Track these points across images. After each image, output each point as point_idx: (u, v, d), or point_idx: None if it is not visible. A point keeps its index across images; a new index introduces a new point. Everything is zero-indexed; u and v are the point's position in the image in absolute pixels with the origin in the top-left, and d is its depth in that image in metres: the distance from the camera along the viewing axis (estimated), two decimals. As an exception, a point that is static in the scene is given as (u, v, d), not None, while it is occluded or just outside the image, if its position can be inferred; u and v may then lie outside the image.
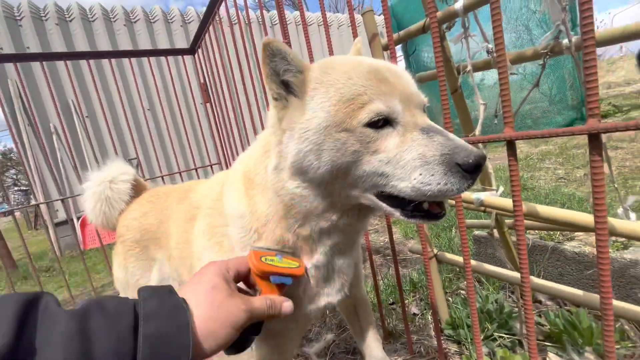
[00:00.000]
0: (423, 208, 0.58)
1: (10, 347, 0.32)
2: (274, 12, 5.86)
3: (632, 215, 0.92)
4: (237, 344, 0.53)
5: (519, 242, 0.72)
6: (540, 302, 1.35)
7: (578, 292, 0.88)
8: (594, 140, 0.57)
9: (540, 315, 1.28)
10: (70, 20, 4.54)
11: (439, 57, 0.78)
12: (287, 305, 0.57)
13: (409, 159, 0.53)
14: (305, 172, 0.58)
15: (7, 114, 2.84)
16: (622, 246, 1.30)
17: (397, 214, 0.58)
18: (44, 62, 2.11)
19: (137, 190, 1.23)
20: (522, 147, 5.35)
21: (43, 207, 4.36)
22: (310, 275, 0.69)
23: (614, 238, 1.40)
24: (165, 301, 0.44)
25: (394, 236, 2.72)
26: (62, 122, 4.28)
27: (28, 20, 4.24)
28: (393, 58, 0.92)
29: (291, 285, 0.61)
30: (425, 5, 0.77)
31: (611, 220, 0.74)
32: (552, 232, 1.55)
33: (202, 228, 0.78)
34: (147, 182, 1.35)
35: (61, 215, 4.52)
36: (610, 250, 1.28)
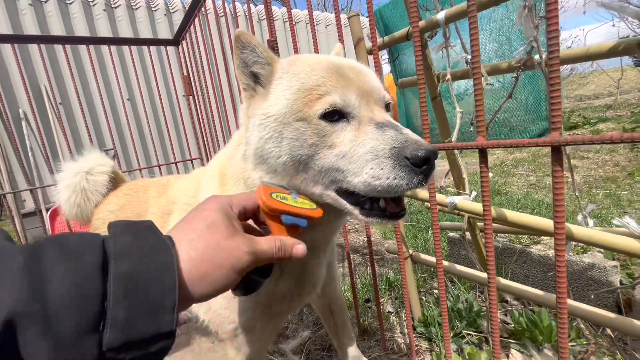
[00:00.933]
0: (379, 207, 0.56)
1: None
2: (262, 7, 5.80)
3: (590, 222, 0.99)
4: (244, 285, 0.50)
5: (487, 245, 0.76)
6: (506, 301, 1.43)
7: (539, 292, 0.94)
8: (556, 152, 0.61)
9: (506, 314, 1.35)
10: (45, 1, 4.31)
11: (420, 65, 0.81)
12: (299, 247, 0.50)
13: (362, 153, 0.52)
14: (266, 160, 0.58)
15: (-28, 96, 2.67)
16: (582, 250, 1.39)
17: (356, 212, 0.56)
18: (15, 45, 2.00)
19: (114, 182, 1.20)
20: (498, 153, 5.57)
21: (9, 197, 4.14)
22: (277, 277, 0.70)
23: (574, 243, 1.50)
24: (142, 238, 0.37)
25: (372, 236, 2.76)
26: (34, 107, 4.06)
27: (-1, -2, 4.00)
28: (377, 62, 0.95)
29: (306, 229, 0.54)
30: (409, 15, 0.80)
31: (570, 226, 0.80)
32: (520, 236, 1.63)
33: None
34: (125, 174, 1.32)
35: (29, 206, 4.31)
36: (570, 254, 1.37)
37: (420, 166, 0.49)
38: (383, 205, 0.56)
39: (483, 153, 0.74)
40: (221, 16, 4.19)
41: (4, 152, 4.08)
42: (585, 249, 1.41)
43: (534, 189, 3.28)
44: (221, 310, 0.73)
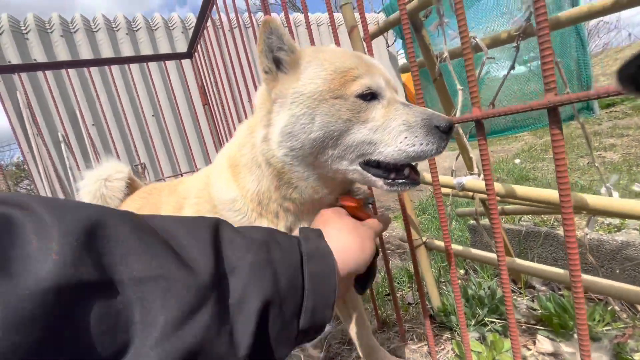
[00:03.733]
0: (404, 175, 0.64)
1: (212, 271, 0.33)
2: (272, 15, 5.92)
3: (615, 194, 0.92)
4: (362, 280, 0.61)
5: (493, 220, 0.73)
6: (533, 287, 1.35)
7: (558, 271, 0.88)
8: (553, 114, 0.58)
9: (533, 300, 1.28)
10: (75, 32, 4.66)
11: (411, 49, 0.80)
12: (387, 215, 0.69)
13: (395, 126, 0.60)
14: (296, 136, 0.61)
15: (13, 125, 2.93)
16: (615, 229, 1.29)
17: (380, 183, 0.63)
18: (48, 72, 2.18)
19: (131, 188, 1.27)
20: (526, 138, 5.29)
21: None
22: None
23: (608, 220, 1.39)
24: (319, 245, 0.47)
25: (394, 231, 2.70)
26: (70, 130, 4.38)
27: (34, 33, 4.37)
28: (369, 50, 0.94)
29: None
30: (395, -6, 0.78)
31: (585, 196, 0.75)
32: (546, 218, 1.54)
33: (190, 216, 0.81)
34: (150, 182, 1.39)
35: (71, 222, 4.64)
36: (602, 232, 1.27)
37: (448, 133, 0.59)
38: (407, 174, 0.64)
39: (480, 125, 0.71)
40: (235, 27, 4.31)
41: (47, 174, 4.43)
42: (619, 227, 1.30)
43: (566, 172, 3.08)
44: None
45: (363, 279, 0.60)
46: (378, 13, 7.32)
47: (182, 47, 5.23)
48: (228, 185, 0.73)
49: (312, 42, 1.15)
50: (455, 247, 1.12)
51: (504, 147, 5.00)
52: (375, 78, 0.63)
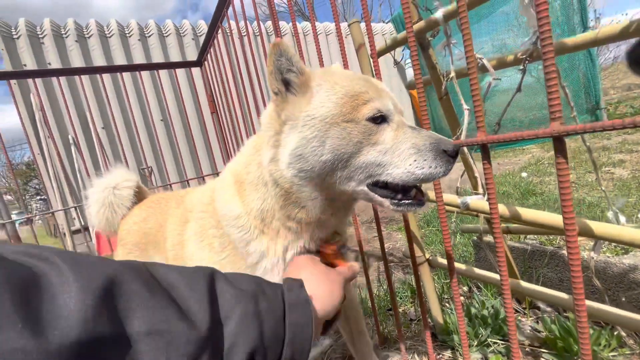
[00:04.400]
0: (410, 196, 0.66)
1: (209, 323, 0.37)
2: (281, 23, 6.00)
3: (622, 218, 0.91)
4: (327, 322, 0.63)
5: (497, 244, 0.72)
6: (538, 308, 1.33)
7: (562, 295, 0.87)
8: (558, 143, 0.58)
9: (537, 322, 1.26)
10: (89, 37, 4.77)
11: (417, 68, 0.81)
12: (357, 264, 0.72)
13: (404, 149, 0.62)
14: (306, 159, 0.62)
15: (25, 126, 2.99)
16: (623, 251, 1.27)
17: (386, 203, 0.65)
18: (62, 77, 2.23)
19: (139, 196, 1.29)
20: (534, 151, 5.26)
21: (59, 216, 4.54)
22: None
23: (606, 242, 1.37)
24: (299, 295, 0.50)
25: (398, 243, 2.69)
26: (80, 133, 4.44)
27: (50, 38, 4.48)
28: (376, 67, 0.95)
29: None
30: (404, 17, 0.80)
31: (590, 223, 0.74)
32: (552, 237, 1.53)
33: (194, 230, 0.82)
34: (159, 189, 1.41)
35: (78, 223, 4.69)
36: (609, 255, 1.26)
37: (454, 156, 0.62)
38: (413, 194, 0.66)
39: (484, 148, 0.72)
40: (244, 35, 4.39)
41: (57, 175, 4.50)
42: (626, 249, 1.28)
43: (573, 187, 3.04)
44: None
45: (329, 321, 0.62)
46: (387, 23, 7.39)
47: (192, 53, 5.32)
48: (233, 201, 0.74)
49: (319, 52, 1.16)
50: (459, 266, 1.12)
51: (511, 159, 4.97)
52: (385, 101, 0.64)
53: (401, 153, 0.62)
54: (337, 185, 0.64)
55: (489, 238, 1.51)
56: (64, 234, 4.67)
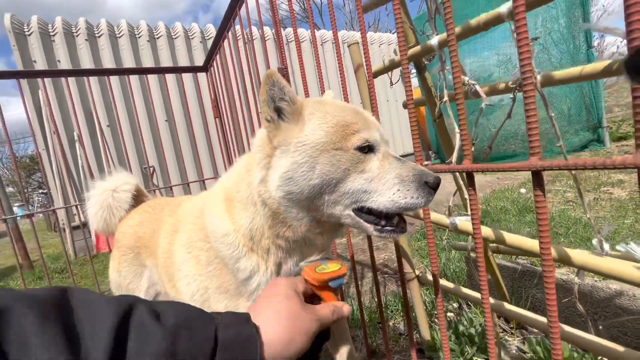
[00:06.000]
0: (393, 223, 0.68)
1: None
2: (289, 30, 6.08)
3: (606, 245, 0.93)
4: (309, 353, 0.58)
5: (479, 267, 0.75)
6: (525, 328, 1.34)
7: (544, 320, 0.89)
8: (536, 177, 0.60)
9: (523, 342, 1.27)
10: (99, 36, 4.85)
11: (409, 91, 0.84)
12: (347, 307, 0.62)
13: (389, 178, 0.65)
14: (295, 182, 0.65)
15: (31, 121, 3.04)
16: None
17: (371, 229, 0.67)
18: (70, 77, 2.28)
19: (137, 199, 1.32)
20: (534, 167, 5.26)
21: (60, 211, 4.58)
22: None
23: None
24: (241, 332, 0.46)
25: (393, 255, 2.70)
26: (85, 131, 4.49)
27: (60, 36, 4.57)
28: (372, 88, 0.98)
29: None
30: (398, 42, 0.83)
31: (570, 251, 0.76)
32: (542, 258, 1.54)
33: (183, 241, 0.85)
34: (160, 191, 1.44)
35: (78, 220, 4.73)
36: (595, 279, 1.27)
37: (436, 189, 0.65)
38: (395, 222, 0.68)
39: (470, 176, 0.74)
40: (244, 43, 4.46)
41: (60, 171, 4.55)
42: (614, 274, 1.30)
43: (570, 206, 3.06)
44: None
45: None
46: (393, 34, 7.46)
47: (199, 56, 5.40)
48: (222, 218, 0.76)
49: (317, 59, 1.19)
50: (447, 284, 1.14)
51: (510, 174, 4.98)
52: (373, 132, 0.68)
53: (386, 182, 0.65)
54: (324, 208, 0.67)
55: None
56: (64, 229, 4.71)
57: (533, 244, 0.82)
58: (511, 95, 0.91)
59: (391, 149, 0.74)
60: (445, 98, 0.99)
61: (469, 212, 1.07)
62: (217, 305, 0.81)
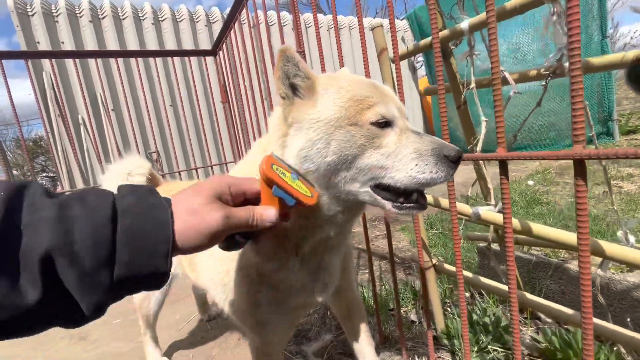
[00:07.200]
0: (412, 200, 0.65)
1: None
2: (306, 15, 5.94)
3: (632, 238, 0.92)
4: (228, 244, 0.56)
5: (508, 257, 0.74)
6: (539, 318, 1.35)
7: (567, 311, 0.89)
8: (579, 166, 0.59)
9: (537, 332, 1.28)
10: (103, 18, 4.76)
11: (440, 74, 0.81)
12: (267, 213, 0.54)
13: (406, 153, 0.62)
14: (311, 159, 0.64)
15: (40, 103, 3.01)
16: (628, 269, 1.28)
17: (388, 206, 0.64)
18: (78, 58, 2.25)
19: (151, 183, 1.31)
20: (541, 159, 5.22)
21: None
22: (295, 270, 0.74)
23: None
24: (143, 199, 0.46)
25: (400, 243, 2.71)
26: (90, 114, 4.46)
27: (64, 16, 4.48)
28: (398, 71, 0.96)
29: (293, 208, 0.57)
30: (431, 24, 0.80)
31: (602, 243, 0.75)
32: (557, 250, 1.54)
33: None
34: (166, 176, 1.43)
35: (84, 203, 4.75)
36: (612, 272, 1.27)
37: (456, 162, 0.61)
38: (415, 198, 0.65)
39: (503, 164, 0.73)
40: (257, 25, 4.36)
41: (65, 154, 4.54)
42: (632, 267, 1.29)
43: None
44: (243, 306, 0.80)
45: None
46: (401, 20, 7.30)
47: (204, 39, 5.30)
48: None
49: (339, 45, 1.16)
50: (466, 274, 1.13)
51: (517, 166, 4.94)
52: (389, 107, 0.65)
53: (403, 157, 0.62)
54: (342, 186, 0.65)
55: (494, 247, 1.52)
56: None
57: (560, 234, 0.81)
58: (543, 82, 0.88)
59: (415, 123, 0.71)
60: (473, 84, 0.97)
61: (493, 201, 1.06)
62: (238, 288, 0.81)
